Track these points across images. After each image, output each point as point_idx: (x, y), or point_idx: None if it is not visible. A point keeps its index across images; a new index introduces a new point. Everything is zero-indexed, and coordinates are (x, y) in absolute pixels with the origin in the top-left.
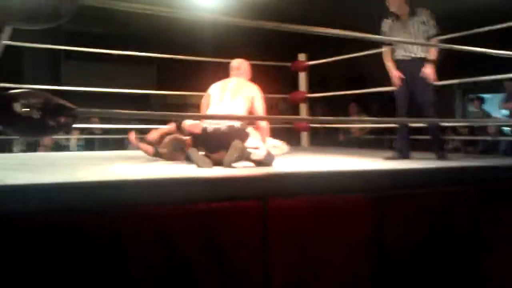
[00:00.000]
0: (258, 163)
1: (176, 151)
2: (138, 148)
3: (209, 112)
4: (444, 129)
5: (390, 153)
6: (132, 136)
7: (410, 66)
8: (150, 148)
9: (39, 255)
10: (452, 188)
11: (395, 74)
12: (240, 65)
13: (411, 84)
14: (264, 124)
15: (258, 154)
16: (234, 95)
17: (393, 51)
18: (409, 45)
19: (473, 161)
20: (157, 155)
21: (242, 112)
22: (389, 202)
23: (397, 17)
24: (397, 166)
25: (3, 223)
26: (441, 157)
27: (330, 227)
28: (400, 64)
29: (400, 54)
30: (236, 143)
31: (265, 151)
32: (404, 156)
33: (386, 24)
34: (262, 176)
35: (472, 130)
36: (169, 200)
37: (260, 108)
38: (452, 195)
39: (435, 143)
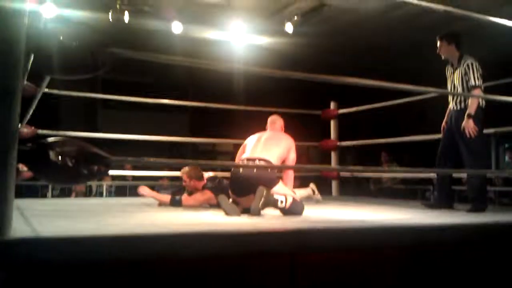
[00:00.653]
0: (285, 211)
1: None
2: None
3: (244, 157)
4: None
5: (429, 202)
6: (144, 190)
7: (453, 117)
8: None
9: None
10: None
11: (443, 123)
12: (275, 120)
13: (454, 135)
14: (291, 172)
15: (284, 202)
16: (268, 143)
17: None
18: (451, 98)
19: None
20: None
21: (275, 159)
22: (419, 258)
23: (452, 64)
24: (426, 219)
25: (36, 274)
26: (476, 210)
27: (360, 284)
28: (449, 113)
29: (450, 104)
30: (260, 189)
31: (292, 199)
32: (445, 206)
33: (447, 68)
34: (290, 231)
35: (507, 181)
36: (196, 254)
37: (292, 158)
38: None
39: (472, 194)
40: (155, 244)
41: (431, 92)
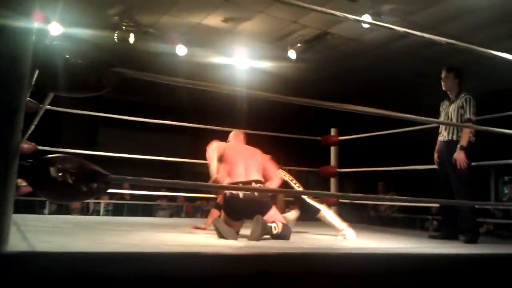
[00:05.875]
0: (276, 236)
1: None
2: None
3: (236, 180)
4: (477, 212)
5: (435, 233)
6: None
7: (445, 149)
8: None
9: None
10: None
11: (435, 156)
12: (239, 133)
13: (446, 166)
14: (277, 181)
15: (277, 228)
16: (250, 160)
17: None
18: (443, 129)
19: (504, 248)
20: None
21: (261, 176)
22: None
23: (449, 98)
24: (427, 249)
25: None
26: (469, 241)
27: None
28: (439, 145)
29: (441, 136)
30: (258, 219)
31: (282, 224)
32: (450, 237)
33: (442, 103)
34: (288, 255)
35: (506, 213)
36: (197, 274)
37: (271, 164)
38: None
39: (465, 225)
40: (149, 263)
41: (432, 122)
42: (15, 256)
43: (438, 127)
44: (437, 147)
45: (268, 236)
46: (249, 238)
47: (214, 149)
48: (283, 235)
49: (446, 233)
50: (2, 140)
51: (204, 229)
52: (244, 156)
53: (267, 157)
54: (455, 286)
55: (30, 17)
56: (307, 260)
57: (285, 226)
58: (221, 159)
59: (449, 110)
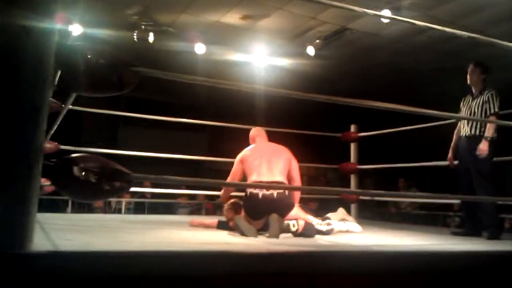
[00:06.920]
0: (297, 234)
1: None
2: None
3: (257, 180)
4: (500, 208)
5: (458, 230)
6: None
7: (467, 144)
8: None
9: None
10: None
11: (449, 154)
12: (260, 130)
13: (468, 161)
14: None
15: (297, 226)
16: (274, 161)
17: (459, 128)
18: (465, 124)
19: None
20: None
21: (284, 177)
22: (440, 285)
23: (472, 93)
24: (451, 246)
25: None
26: (492, 237)
27: None
28: (461, 141)
29: (463, 131)
30: (274, 217)
31: (304, 222)
32: (473, 233)
33: (464, 99)
34: (308, 253)
35: None
36: (215, 273)
37: (296, 165)
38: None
39: (487, 221)
40: (171, 262)
41: (453, 117)
42: (38, 256)
43: (457, 123)
44: (453, 143)
45: (289, 235)
46: (268, 235)
47: (236, 164)
48: (306, 234)
49: (469, 229)
50: (26, 140)
51: (206, 227)
52: (267, 156)
53: (292, 156)
54: (478, 284)
55: (52, 19)
56: (325, 259)
57: (308, 224)
58: (245, 168)
59: (472, 105)
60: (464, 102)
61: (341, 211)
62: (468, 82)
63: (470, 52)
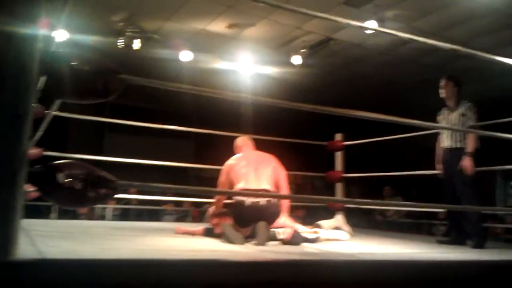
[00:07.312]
0: (285, 242)
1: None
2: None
3: (243, 187)
4: (485, 217)
5: (443, 239)
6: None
7: (449, 156)
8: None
9: None
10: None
11: (437, 165)
12: (246, 140)
13: (451, 173)
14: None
15: (283, 234)
16: (260, 169)
17: (440, 141)
18: (446, 137)
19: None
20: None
21: (272, 185)
22: None
23: (448, 106)
24: (438, 255)
25: None
26: (476, 245)
27: None
28: (443, 153)
29: (443, 143)
30: (261, 225)
31: (292, 230)
32: (458, 242)
33: (441, 112)
34: (296, 262)
35: None
36: (202, 281)
37: (283, 175)
38: None
39: (472, 230)
40: (157, 270)
41: (437, 127)
42: (24, 263)
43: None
44: (437, 156)
45: (276, 242)
46: (256, 243)
47: (223, 174)
48: (293, 242)
49: (454, 238)
50: (9, 147)
51: (193, 234)
52: (254, 164)
53: (279, 164)
54: None
55: (36, 24)
56: (315, 267)
57: (296, 233)
58: (231, 177)
59: (451, 118)
60: (442, 116)
61: (338, 218)
62: (442, 95)
63: (453, 64)
